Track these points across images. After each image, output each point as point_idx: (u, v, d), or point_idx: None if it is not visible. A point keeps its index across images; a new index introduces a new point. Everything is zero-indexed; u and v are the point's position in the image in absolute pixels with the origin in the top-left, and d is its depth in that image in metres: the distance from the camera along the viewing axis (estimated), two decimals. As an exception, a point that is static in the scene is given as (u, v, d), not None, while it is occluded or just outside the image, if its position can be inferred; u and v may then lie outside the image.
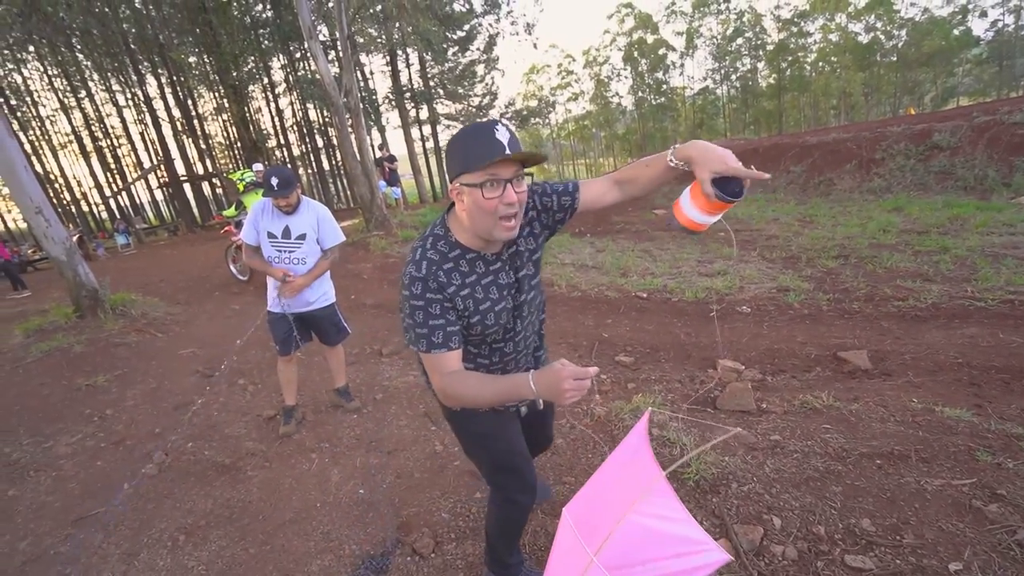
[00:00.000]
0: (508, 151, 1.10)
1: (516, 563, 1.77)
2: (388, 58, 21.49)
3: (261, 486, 2.65)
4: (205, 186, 24.18)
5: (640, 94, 37.71)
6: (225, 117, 25.32)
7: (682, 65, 37.23)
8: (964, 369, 2.96)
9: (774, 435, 2.42)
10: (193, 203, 22.87)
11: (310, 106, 25.04)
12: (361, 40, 17.46)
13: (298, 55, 22.55)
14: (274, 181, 2.69)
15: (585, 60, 38.93)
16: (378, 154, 12.09)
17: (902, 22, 30.77)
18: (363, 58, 21.27)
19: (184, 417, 3.51)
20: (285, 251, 2.83)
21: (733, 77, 35.93)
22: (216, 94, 23.89)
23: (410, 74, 23.21)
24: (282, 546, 2.19)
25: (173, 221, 22.78)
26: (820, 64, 33.08)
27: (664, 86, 37.28)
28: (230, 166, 27.08)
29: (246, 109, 22.21)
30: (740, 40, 34.43)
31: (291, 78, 23.68)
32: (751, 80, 35.50)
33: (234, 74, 20.02)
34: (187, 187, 22.36)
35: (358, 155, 9.38)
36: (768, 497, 2.08)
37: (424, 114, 23.86)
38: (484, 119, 1.28)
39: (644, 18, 36.04)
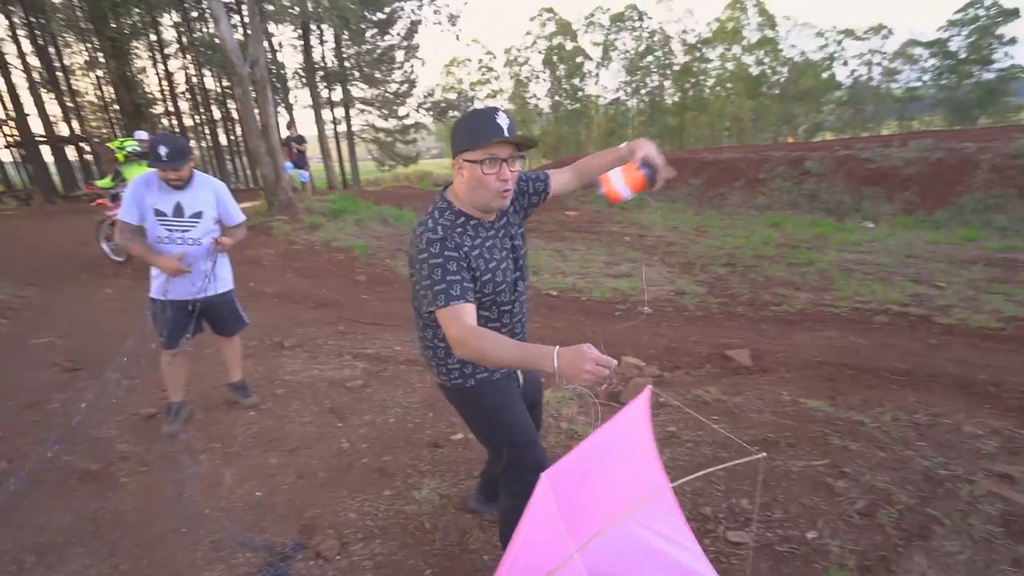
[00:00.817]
0: (507, 134, 1.27)
1: None
2: (300, 31, 20.07)
3: (137, 494, 2.36)
4: (71, 151, 20.96)
5: (557, 98, 38.80)
6: (100, 73, 22.09)
7: (597, 75, 38.85)
8: (823, 366, 3.42)
9: (670, 427, 2.63)
10: (54, 169, 19.74)
11: (207, 73, 22.67)
12: (271, 7, 16.14)
13: (194, 14, 20.30)
14: (163, 151, 2.39)
15: (506, 59, 39.29)
16: (285, 133, 11.26)
17: (784, 60, 34.75)
18: (271, 27, 19.68)
19: (35, 419, 3.03)
20: (177, 231, 2.53)
21: (643, 91, 38.19)
22: (89, 45, 20.75)
23: (324, 52, 21.86)
24: (162, 560, 1.98)
25: (25, 188, 19.46)
26: (717, 88, 36.30)
27: (580, 93, 38.70)
28: (104, 131, 23.71)
29: (127, 67, 19.56)
30: (650, 58, 36.69)
31: (185, 39, 21.25)
32: (658, 96, 37.96)
33: (113, 25, 17.54)
34: (46, 150, 19.24)
35: (263, 132, 8.67)
36: (663, 483, 2.25)
37: (337, 96, 22.60)
38: (486, 106, 1.77)
39: (564, 25, 37.09)
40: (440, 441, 2.63)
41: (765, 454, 1.36)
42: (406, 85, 24.11)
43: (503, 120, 1.29)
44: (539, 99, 39.83)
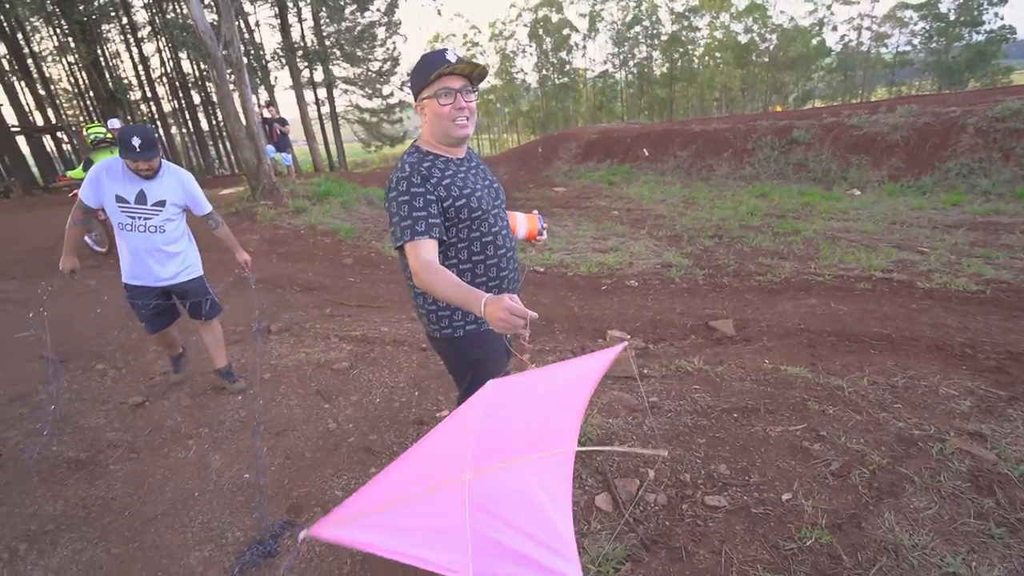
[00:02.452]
0: (451, 61, 1.37)
1: None
2: (277, 9, 19.48)
3: (126, 480, 2.39)
4: (48, 140, 20.46)
5: (544, 72, 38.14)
6: (71, 59, 21.41)
7: (585, 47, 38.20)
8: (804, 333, 3.47)
9: (652, 397, 2.67)
10: (31, 160, 19.31)
11: (183, 56, 22.04)
12: (243, -15, 15.62)
13: (165, -6, 19.65)
14: (136, 142, 2.37)
15: (491, 33, 38.46)
16: (265, 114, 11.01)
17: (773, 27, 34.22)
18: (247, 6, 19.09)
19: (23, 411, 3.03)
20: (140, 218, 2.52)
21: (631, 63, 37.55)
22: (58, 30, 20.04)
23: (303, 30, 21.27)
24: (152, 542, 2.01)
25: (3, 181, 19.04)
26: (706, 58, 35.78)
27: (567, 66, 38.06)
28: (82, 119, 23.11)
29: (100, 52, 18.96)
30: (638, 28, 35.95)
31: (158, 20, 20.57)
32: (647, 67, 37.27)
33: (80, 7, 16.93)
34: (22, 140, 18.79)
35: (242, 116, 8.49)
36: (645, 452, 2.32)
37: (319, 76, 22.09)
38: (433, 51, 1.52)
39: (550, -4, 36.28)
40: (425, 419, 2.66)
41: (667, 452, 1.45)
42: (389, 63, 23.62)
43: (451, 55, 1.38)
44: (526, 74, 39.13)
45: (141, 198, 2.50)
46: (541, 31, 36.83)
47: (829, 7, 33.75)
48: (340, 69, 22.80)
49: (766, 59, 34.51)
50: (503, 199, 1.65)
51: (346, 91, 23.74)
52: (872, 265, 4.78)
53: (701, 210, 8.05)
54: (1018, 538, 1.66)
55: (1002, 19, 28.49)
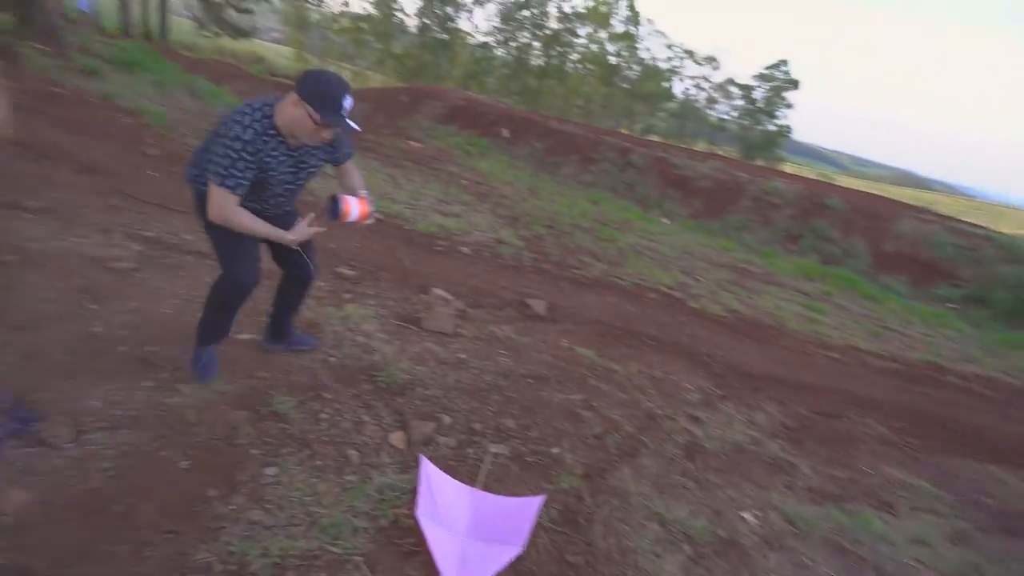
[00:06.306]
0: (342, 122, 1.69)
1: (223, 332, 2.11)
2: None
3: None
4: None
5: (426, 21, 34.49)
6: None
7: (471, 11, 34.76)
8: (599, 324, 3.97)
9: (461, 354, 2.83)
10: None
11: None
12: None
13: None
14: None
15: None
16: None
17: (638, 60, 35.89)
18: None
19: None
20: None
21: (512, 44, 35.83)
22: None
23: None
24: None
25: None
26: (579, 66, 36.41)
27: (449, 23, 35.09)
28: None
29: None
30: (526, 13, 34.57)
31: None
32: (525, 54, 36.30)
33: None
34: None
35: None
36: (445, 401, 2.44)
37: None
38: (338, 78, 1.68)
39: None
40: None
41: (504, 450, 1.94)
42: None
43: (348, 103, 1.68)
44: (407, 16, 34.30)
45: None
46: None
47: (682, 59, 36.66)
48: None
49: (627, 85, 36.60)
50: (303, 182, 1.98)
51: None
52: (660, 280, 5.68)
53: (542, 200, 8.44)
54: (703, 489, 2.27)
55: (786, 119, 34.88)
